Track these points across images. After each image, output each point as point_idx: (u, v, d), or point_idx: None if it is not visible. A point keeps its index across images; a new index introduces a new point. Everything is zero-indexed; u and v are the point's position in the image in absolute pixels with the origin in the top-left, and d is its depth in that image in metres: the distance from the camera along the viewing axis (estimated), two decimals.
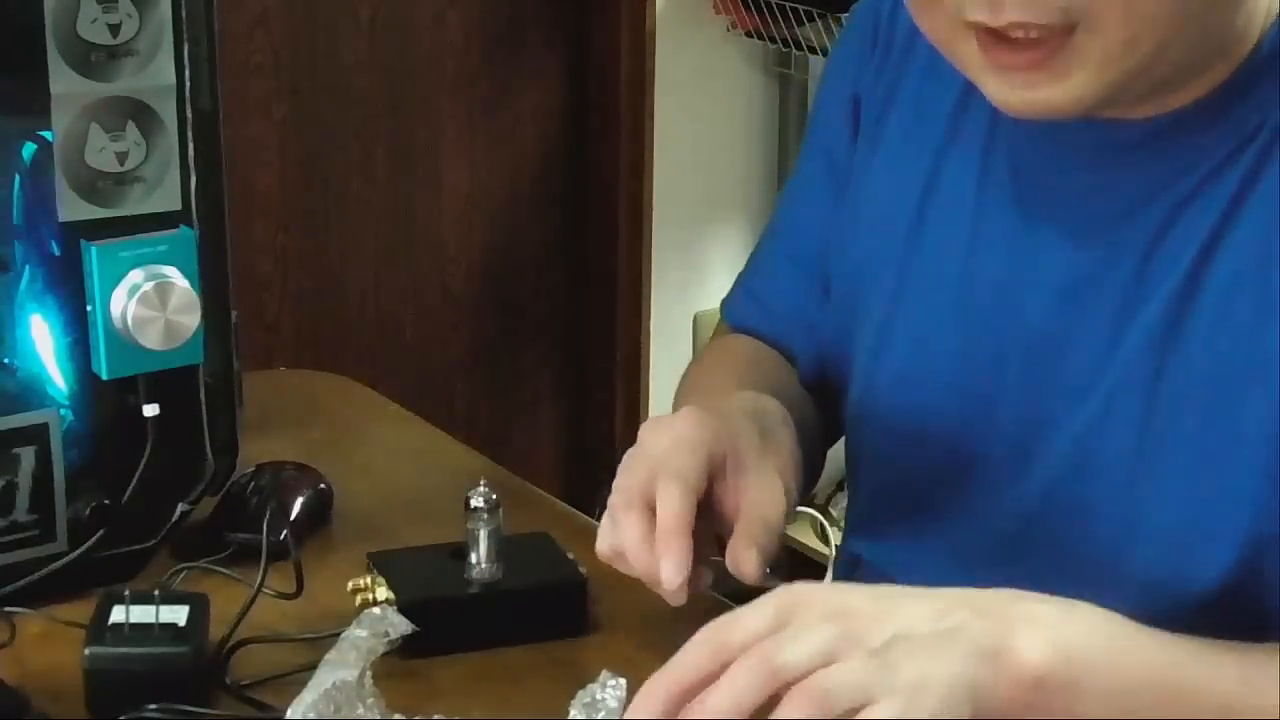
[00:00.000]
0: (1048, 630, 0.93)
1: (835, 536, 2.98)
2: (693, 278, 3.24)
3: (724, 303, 1.46)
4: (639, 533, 1.07)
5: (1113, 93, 1.05)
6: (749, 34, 3.06)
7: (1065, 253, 1.13)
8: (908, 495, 1.23)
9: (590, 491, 3.10)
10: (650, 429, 1.13)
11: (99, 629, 1.11)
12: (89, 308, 1.21)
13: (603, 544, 1.10)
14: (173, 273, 1.21)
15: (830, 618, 0.91)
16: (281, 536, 1.23)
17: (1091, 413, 1.12)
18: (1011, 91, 1.05)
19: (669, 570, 1.05)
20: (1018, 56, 1.03)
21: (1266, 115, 1.07)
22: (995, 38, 1.03)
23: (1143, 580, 1.09)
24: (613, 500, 1.10)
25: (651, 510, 1.07)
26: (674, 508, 1.06)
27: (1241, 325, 1.06)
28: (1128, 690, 0.95)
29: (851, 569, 1.28)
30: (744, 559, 1.08)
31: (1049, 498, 1.14)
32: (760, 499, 1.11)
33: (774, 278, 1.38)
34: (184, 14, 1.22)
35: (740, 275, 1.45)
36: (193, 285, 1.22)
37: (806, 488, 1.23)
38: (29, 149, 1.23)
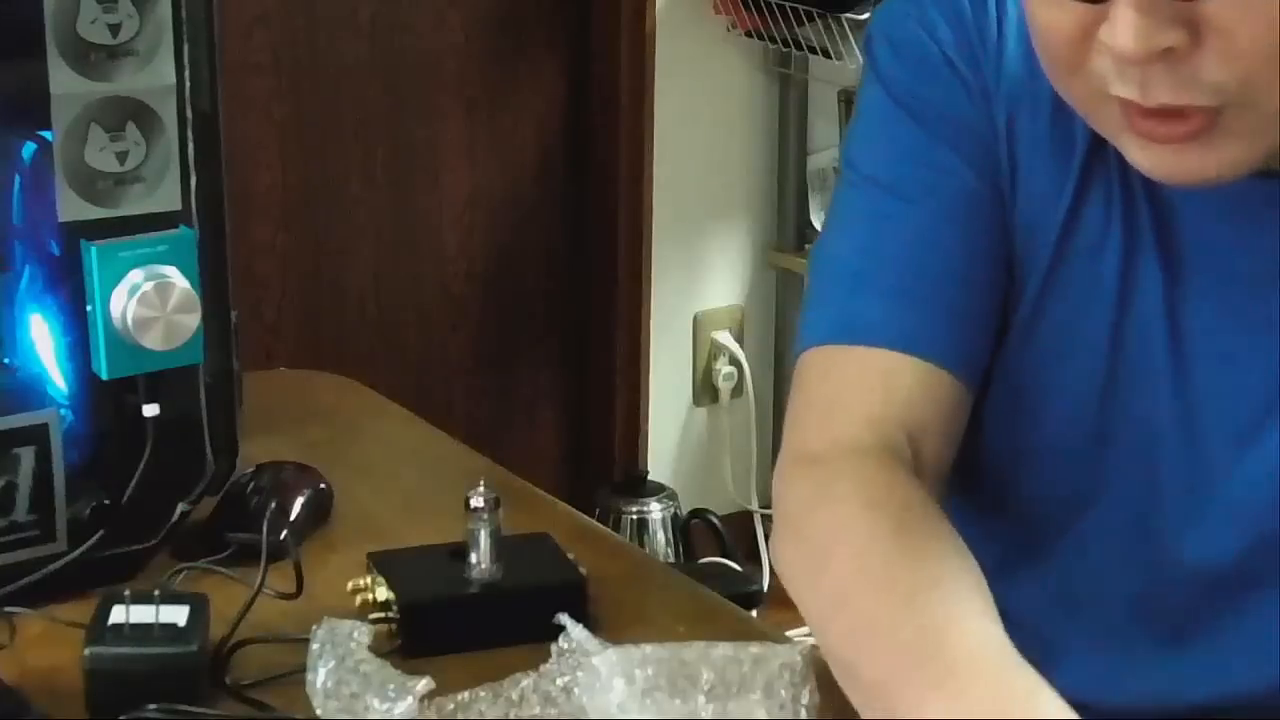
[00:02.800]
0: None
1: None
2: (693, 278, 3.24)
3: (809, 329, 1.19)
4: None
5: (1265, 161, 1.03)
6: (749, 34, 3.06)
7: (1216, 321, 1.11)
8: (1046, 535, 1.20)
9: (590, 491, 3.10)
10: None
11: (99, 629, 1.11)
12: (89, 308, 1.21)
13: None
14: (173, 273, 1.21)
15: None
16: (281, 536, 1.23)
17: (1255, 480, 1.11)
18: (1159, 159, 1.02)
19: None
20: (1166, 129, 1.00)
21: None
22: (1143, 111, 1.00)
23: None
24: None
25: None
26: None
27: None
28: None
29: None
30: None
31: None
32: None
33: (899, 296, 1.16)
34: (184, 14, 1.22)
35: (819, 302, 1.20)
36: (193, 285, 1.22)
37: None
38: (29, 149, 1.23)
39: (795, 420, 1.16)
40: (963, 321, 1.15)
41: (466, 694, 1.08)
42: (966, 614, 0.96)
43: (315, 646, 1.07)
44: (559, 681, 1.07)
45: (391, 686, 1.04)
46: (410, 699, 1.03)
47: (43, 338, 1.24)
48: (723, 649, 1.04)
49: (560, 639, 1.08)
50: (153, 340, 1.21)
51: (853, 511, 1.05)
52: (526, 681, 1.08)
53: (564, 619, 1.08)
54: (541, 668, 1.08)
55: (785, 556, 1.10)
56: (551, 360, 3.28)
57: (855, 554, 1.03)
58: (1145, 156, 1.03)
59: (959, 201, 1.15)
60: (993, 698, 0.90)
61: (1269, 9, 0.95)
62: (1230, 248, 1.10)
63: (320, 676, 1.06)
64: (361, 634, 1.09)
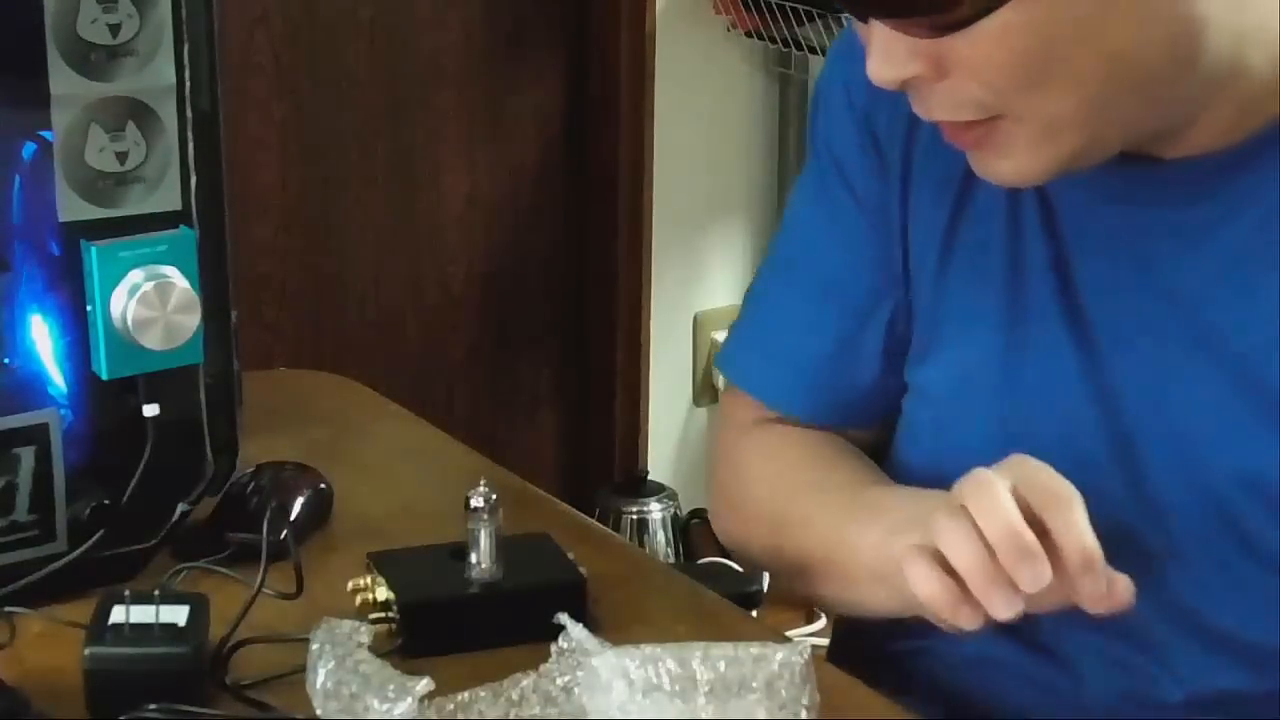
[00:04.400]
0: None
1: None
2: (693, 278, 3.24)
3: (727, 366, 1.39)
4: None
5: (1065, 166, 1.07)
6: (749, 34, 3.06)
7: (1111, 289, 1.15)
8: None
9: (590, 491, 3.10)
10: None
11: (99, 629, 1.11)
12: (89, 308, 1.21)
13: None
14: (173, 273, 1.21)
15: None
16: (281, 536, 1.23)
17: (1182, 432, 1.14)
18: (972, 161, 1.10)
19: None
20: (956, 137, 1.08)
21: None
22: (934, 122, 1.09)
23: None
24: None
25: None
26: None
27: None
28: None
29: None
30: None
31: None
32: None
33: (803, 331, 1.32)
34: (184, 14, 1.22)
35: (741, 334, 1.38)
36: (193, 285, 1.22)
37: None
38: (29, 149, 1.23)
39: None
40: (835, 389, 1.31)
41: (466, 694, 1.08)
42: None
43: (315, 647, 1.07)
44: (559, 681, 1.07)
45: (391, 686, 1.04)
46: (410, 699, 1.03)
47: (43, 338, 1.24)
48: (723, 649, 1.04)
49: (560, 638, 1.08)
50: (153, 340, 1.21)
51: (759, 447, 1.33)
52: (526, 681, 1.08)
53: (563, 618, 1.08)
54: (541, 667, 1.08)
55: (712, 506, 1.41)
56: (551, 360, 3.28)
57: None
58: (968, 158, 1.10)
59: (847, 259, 1.28)
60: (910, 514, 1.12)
61: (996, 48, 1.00)
62: (1113, 225, 1.15)
63: (320, 677, 1.05)
64: (361, 634, 1.09)
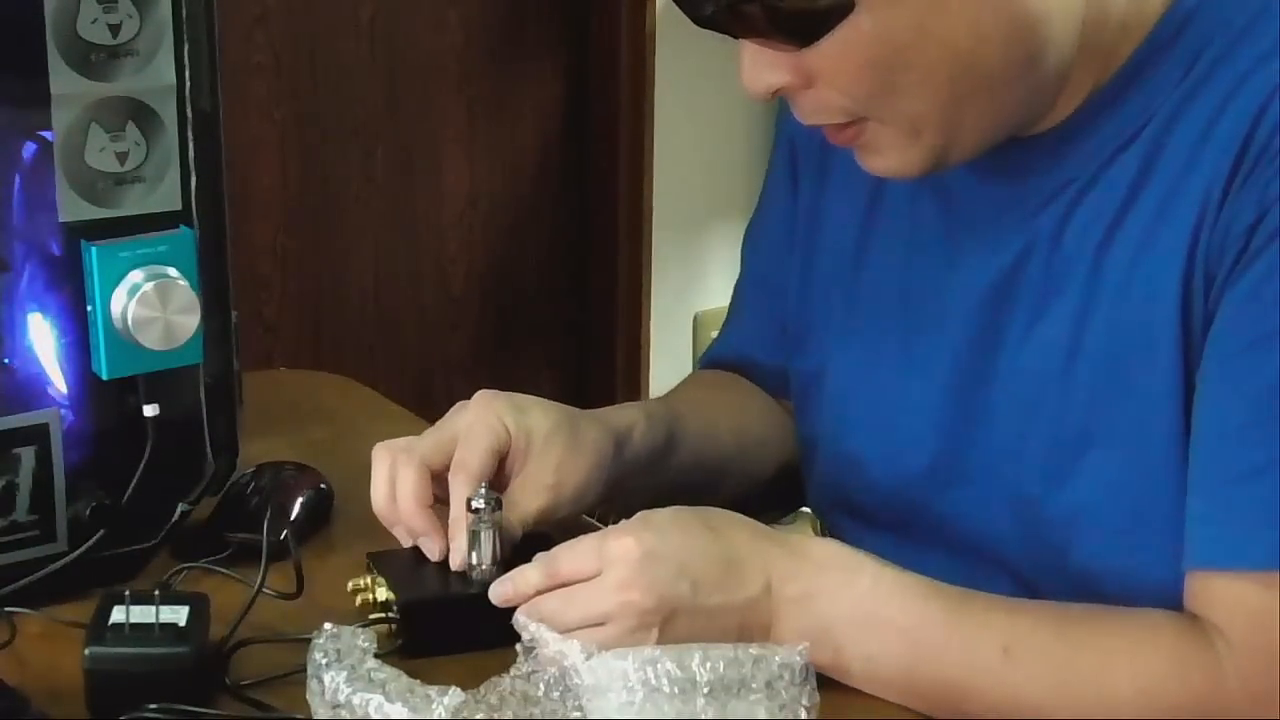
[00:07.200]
0: (815, 607, 1.10)
1: None
2: (693, 278, 3.24)
3: (705, 355, 1.55)
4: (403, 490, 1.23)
5: (935, 161, 1.14)
6: None
7: (983, 260, 1.21)
8: (861, 499, 1.31)
9: None
10: (457, 409, 1.26)
11: (99, 629, 1.11)
12: (89, 308, 1.21)
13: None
14: (173, 273, 1.21)
15: (626, 585, 1.08)
16: (281, 536, 1.23)
17: (1021, 406, 1.18)
18: (857, 158, 1.17)
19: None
20: (833, 137, 1.16)
21: (1152, 111, 1.13)
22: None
23: (1081, 570, 1.15)
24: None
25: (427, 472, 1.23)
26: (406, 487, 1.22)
27: (1135, 305, 1.12)
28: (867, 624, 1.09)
29: None
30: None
31: (990, 490, 1.21)
32: (517, 493, 1.23)
33: (745, 309, 1.48)
34: (184, 14, 1.22)
35: (722, 327, 1.53)
36: (193, 285, 1.22)
37: (779, 495, 1.42)
38: (29, 149, 1.23)
39: None
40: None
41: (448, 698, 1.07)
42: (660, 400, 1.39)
43: (318, 656, 1.06)
44: (533, 679, 1.07)
45: (416, 696, 1.04)
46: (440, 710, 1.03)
47: (43, 338, 1.24)
48: (722, 650, 1.04)
49: (523, 636, 1.09)
50: (153, 340, 1.21)
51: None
52: (505, 684, 1.07)
53: (519, 618, 1.10)
54: (511, 669, 1.08)
55: None
56: (551, 360, 3.28)
57: None
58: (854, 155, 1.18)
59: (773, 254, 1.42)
60: None
61: (848, 58, 1.08)
62: (996, 206, 1.21)
63: (327, 685, 1.05)
64: (367, 641, 1.08)
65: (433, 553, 1.21)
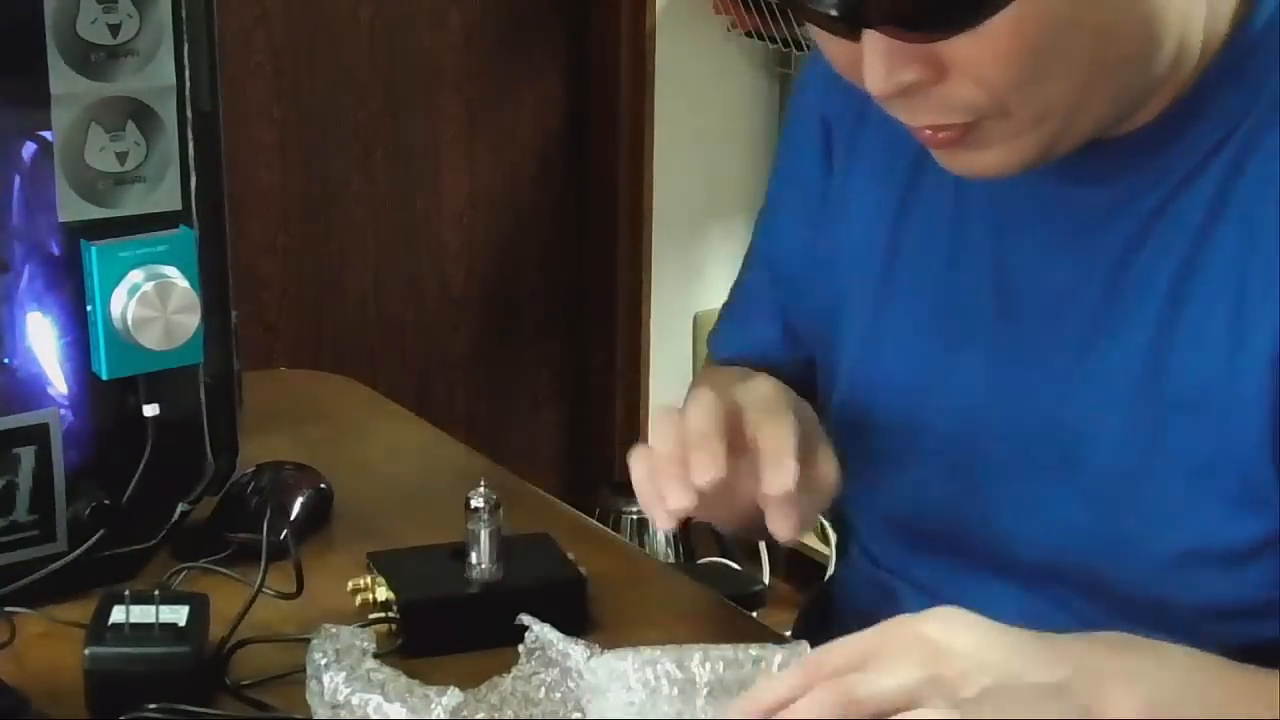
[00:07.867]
0: (1141, 686, 0.98)
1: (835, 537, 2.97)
2: (693, 278, 3.24)
3: (710, 338, 1.47)
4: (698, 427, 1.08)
5: (1041, 154, 1.08)
6: (749, 34, 3.06)
7: (1038, 266, 1.16)
8: (914, 511, 1.24)
9: (590, 491, 3.10)
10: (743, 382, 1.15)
11: (99, 629, 1.11)
12: (89, 308, 1.21)
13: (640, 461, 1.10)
14: (173, 273, 1.21)
15: (925, 661, 0.95)
16: (281, 536, 1.23)
17: (1078, 425, 1.13)
18: (942, 159, 1.10)
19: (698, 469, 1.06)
20: (933, 138, 1.08)
21: (1230, 129, 1.09)
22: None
23: (1144, 599, 1.11)
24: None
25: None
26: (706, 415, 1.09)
27: (1218, 343, 1.08)
28: None
29: (879, 588, 1.27)
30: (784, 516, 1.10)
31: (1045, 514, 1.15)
32: (820, 468, 1.13)
33: (759, 308, 1.40)
34: (184, 14, 1.22)
35: (723, 309, 1.46)
36: (193, 285, 1.22)
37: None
38: (29, 149, 1.23)
39: None
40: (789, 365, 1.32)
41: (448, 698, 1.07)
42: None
43: (318, 657, 1.07)
44: (535, 680, 1.07)
45: (415, 696, 1.04)
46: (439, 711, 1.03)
47: (43, 338, 1.24)
48: (722, 651, 1.04)
49: (525, 638, 1.09)
50: (153, 340, 1.21)
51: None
52: (505, 684, 1.08)
53: (525, 618, 1.10)
54: (514, 669, 1.08)
55: None
56: (551, 360, 3.28)
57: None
58: (936, 155, 1.11)
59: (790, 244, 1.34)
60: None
61: (1004, 43, 1.01)
62: (1053, 208, 1.16)
63: (326, 686, 1.05)
64: (366, 641, 1.08)
65: (709, 471, 1.06)
